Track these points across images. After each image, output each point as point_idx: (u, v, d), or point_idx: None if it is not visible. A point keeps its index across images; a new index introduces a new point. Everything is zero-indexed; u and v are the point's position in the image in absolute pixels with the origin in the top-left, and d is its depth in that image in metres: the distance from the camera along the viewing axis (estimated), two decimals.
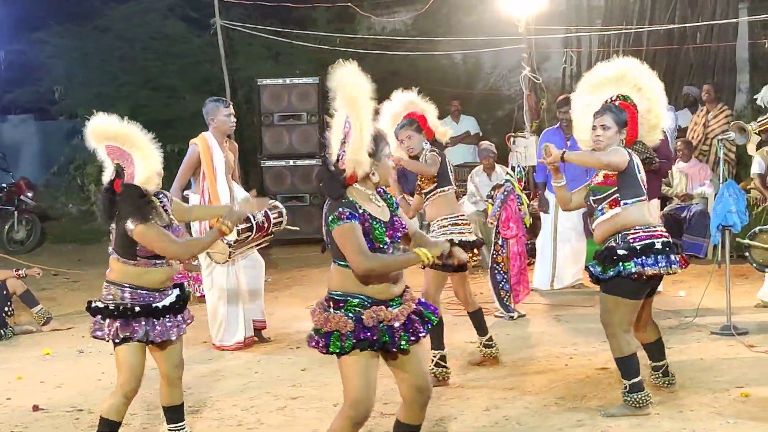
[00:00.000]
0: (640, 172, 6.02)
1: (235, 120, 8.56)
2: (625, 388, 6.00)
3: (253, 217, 7.91)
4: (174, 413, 5.69)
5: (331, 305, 4.64)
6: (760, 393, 6.28)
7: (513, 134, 12.34)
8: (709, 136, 12.40)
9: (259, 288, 8.70)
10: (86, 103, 17.05)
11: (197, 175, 8.36)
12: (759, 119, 8.54)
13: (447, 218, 7.15)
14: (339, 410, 4.71)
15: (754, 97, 13.05)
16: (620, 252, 5.84)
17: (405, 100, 7.23)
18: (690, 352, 7.51)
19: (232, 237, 7.91)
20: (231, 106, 8.52)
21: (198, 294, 10.66)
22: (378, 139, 4.69)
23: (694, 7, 15.34)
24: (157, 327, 5.34)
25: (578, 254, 10.49)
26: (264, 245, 8.62)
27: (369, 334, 4.52)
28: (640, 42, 15.23)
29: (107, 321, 5.32)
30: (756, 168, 10.68)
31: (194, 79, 17.54)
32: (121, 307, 5.31)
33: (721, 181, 8.34)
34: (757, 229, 6.99)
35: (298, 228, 9.10)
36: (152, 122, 15.67)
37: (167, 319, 5.39)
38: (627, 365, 5.99)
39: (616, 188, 5.96)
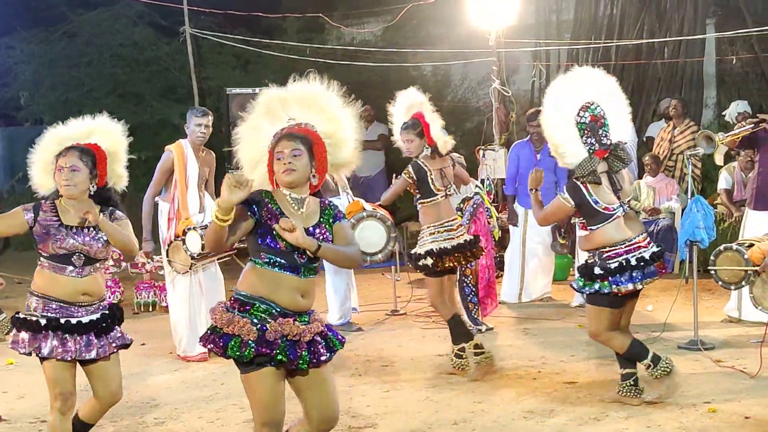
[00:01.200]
0: (598, 203, 6.20)
1: (207, 132, 8.42)
2: (629, 376, 6.42)
3: None
4: (85, 427, 5.45)
5: (237, 307, 4.46)
6: (726, 408, 6.29)
7: (482, 147, 12.35)
8: (675, 152, 12.44)
9: (221, 300, 8.62)
10: (52, 110, 16.93)
11: (169, 182, 8.30)
12: (729, 133, 8.57)
13: (434, 225, 7.36)
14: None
15: (722, 113, 13.19)
16: (596, 271, 6.17)
17: (418, 100, 7.37)
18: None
19: (196, 250, 7.88)
20: (207, 117, 8.37)
21: (164, 304, 10.60)
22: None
23: (662, 22, 15.45)
24: (69, 344, 5.05)
25: (546, 267, 10.51)
26: (225, 259, 8.60)
27: (268, 350, 4.34)
28: (608, 56, 15.31)
29: (20, 333, 5.11)
30: (723, 183, 10.75)
31: (162, 87, 17.46)
32: (30, 319, 5.10)
33: (689, 196, 8.37)
34: (722, 247, 7.01)
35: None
36: None
37: (84, 338, 5.11)
38: (636, 351, 6.38)
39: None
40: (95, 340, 5.15)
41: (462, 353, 7.35)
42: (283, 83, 4.73)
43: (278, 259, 4.44)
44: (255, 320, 4.39)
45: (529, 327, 9.27)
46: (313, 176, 4.58)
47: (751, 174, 8.99)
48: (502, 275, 10.81)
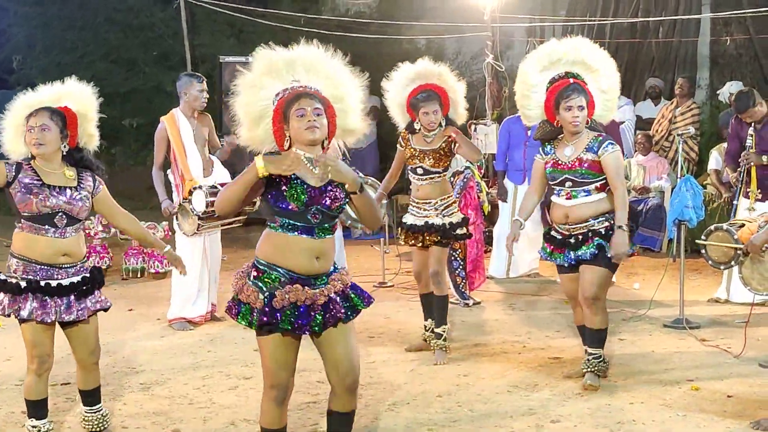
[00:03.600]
0: None
1: (207, 97, 8.48)
2: (600, 358, 6.39)
3: None
4: (89, 396, 5.49)
5: (252, 273, 4.49)
6: (709, 386, 6.34)
7: (474, 121, 12.34)
8: (673, 132, 12.39)
9: (216, 270, 8.66)
10: (45, 74, 16.85)
11: (170, 153, 8.29)
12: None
13: (444, 199, 7.16)
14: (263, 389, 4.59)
15: (717, 92, 13.19)
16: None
17: (424, 69, 7.18)
18: (642, 344, 7.56)
19: (201, 208, 7.90)
20: (204, 83, 8.42)
21: (153, 270, 10.62)
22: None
23: (657, 1, 15.41)
24: (48, 306, 5.05)
25: (535, 243, 10.47)
26: (234, 225, 8.61)
27: (271, 319, 4.34)
28: (603, 34, 15.28)
29: (0, 295, 5.11)
30: (713, 164, 10.76)
31: (155, 54, 17.42)
32: (9, 281, 5.08)
33: (679, 176, 8.39)
34: (712, 226, 7.03)
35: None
36: (111, 95, 15.67)
37: (64, 300, 5.10)
38: (605, 335, 6.42)
39: (604, 175, 6.17)
40: (75, 303, 5.14)
41: (443, 333, 7.27)
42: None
43: (291, 221, 4.43)
44: (264, 288, 4.41)
45: (516, 302, 9.31)
46: (326, 138, 4.58)
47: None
48: (490, 250, 10.85)
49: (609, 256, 6.15)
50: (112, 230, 10.66)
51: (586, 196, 6.20)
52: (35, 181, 5.11)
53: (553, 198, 6.39)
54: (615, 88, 6.48)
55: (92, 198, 5.28)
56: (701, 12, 15.19)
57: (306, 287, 4.42)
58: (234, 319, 4.48)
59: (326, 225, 4.50)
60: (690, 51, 15.42)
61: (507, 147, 10.42)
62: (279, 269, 4.44)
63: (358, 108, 4.72)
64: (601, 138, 6.22)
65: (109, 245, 11.15)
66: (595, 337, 6.40)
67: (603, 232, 6.19)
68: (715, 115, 13.25)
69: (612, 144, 6.19)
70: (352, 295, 4.59)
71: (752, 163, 8.58)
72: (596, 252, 6.15)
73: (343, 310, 4.49)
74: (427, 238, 7.09)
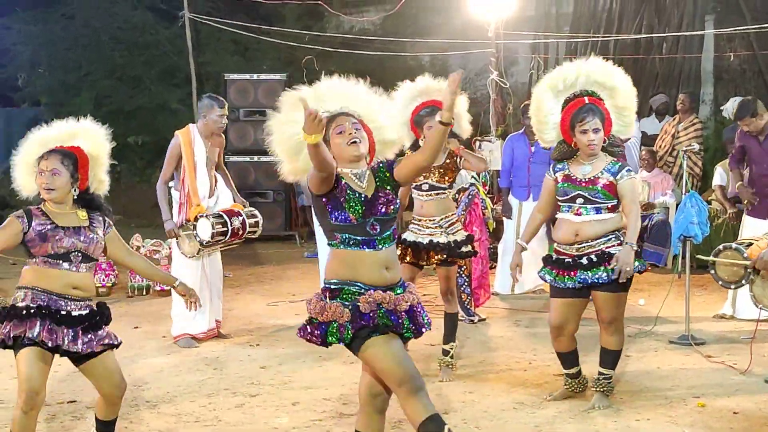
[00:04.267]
0: None
1: (226, 122, 8.56)
2: (610, 379, 6.35)
3: (230, 222, 8.06)
4: (106, 426, 5.46)
5: (327, 295, 4.54)
6: (715, 403, 6.33)
7: (479, 138, 12.37)
8: (677, 147, 12.35)
9: (218, 287, 8.70)
10: (50, 91, 16.96)
11: (179, 169, 8.32)
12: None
13: (447, 216, 7.09)
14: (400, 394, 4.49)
15: (720, 108, 13.20)
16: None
17: (426, 86, 7.12)
18: (648, 361, 7.55)
19: (206, 237, 7.98)
20: (226, 108, 8.45)
21: (158, 288, 10.63)
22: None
23: (661, 17, 15.47)
24: (57, 333, 5.00)
25: (540, 259, 10.50)
26: (233, 246, 8.69)
27: (367, 319, 4.41)
28: (606, 50, 15.31)
29: (5, 323, 5.05)
30: (717, 179, 10.78)
31: (160, 71, 17.48)
32: (17, 306, 5.04)
33: (683, 192, 8.40)
34: (721, 246, 7.01)
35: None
36: (116, 113, 15.73)
37: (71, 330, 5.06)
38: (619, 356, 6.39)
39: (616, 199, 6.12)
40: (82, 335, 5.10)
41: (450, 350, 7.20)
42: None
43: (351, 236, 4.52)
44: (346, 302, 4.47)
45: (521, 319, 9.31)
46: (368, 154, 4.71)
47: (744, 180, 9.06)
48: (495, 266, 10.85)
49: (611, 268, 6.04)
50: None
51: (597, 214, 6.10)
52: (48, 225, 5.10)
53: (560, 215, 6.27)
54: (632, 104, 6.39)
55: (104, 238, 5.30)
56: (705, 28, 15.25)
57: (386, 291, 4.52)
58: (317, 342, 4.51)
59: (386, 234, 4.59)
60: (694, 67, 15.47)
61: (511, 164, 10.43)
62: (353, 284, 4.51)
63: (392, 120, 4.86)
64: (620, 164, 6.16)
65: (114, 263, 11.16)
66: (610, 358, 6.33)
67: (615, 254, 6.07)
68: (719, 130, 13.28)
69: (629, 171, 6.15)
70: (422, 313, 4.68)
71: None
72: (613, 275, 6.01)
73: (423, 323, 4.60)
74: (434, 256, 7.05)
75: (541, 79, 6.62)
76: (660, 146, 12.70)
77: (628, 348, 7.88)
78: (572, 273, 6.14)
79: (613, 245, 6.08)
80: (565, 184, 6.20)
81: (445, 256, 7.01)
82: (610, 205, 6.12)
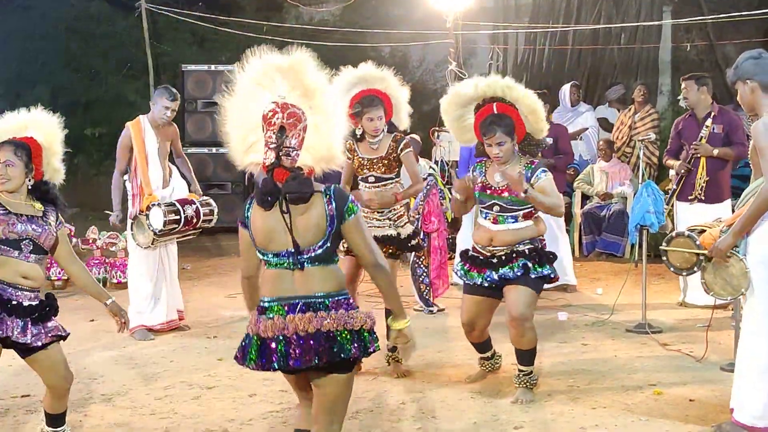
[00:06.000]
0: None
1: (172, 115, 8.44)
2: (531, 374, 6.33)
3: (183, 210, 8.00)
4: (56, 419, 5.43)
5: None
6: (672, 391, 6.37)
7: (437, 128, 12.35)
8: (634, 138, 12.42)
9: (174, 278, 8.65)
10: (6, 83, 16.73)
11: (131, 160, 8.26)
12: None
13: (395, 209, 7.02)
14: None
15: (677, 98, 13.27)
16: (544, 256, 6.26)
17: (367, 73, 7.01)
18: (605, 349, 7.59)
19: (158, 226, 7.93)
20: (176, 102, 8.38)
21: (115, 281, 10.55)
22: None
23: (619, 8, 15.56)
24: (6, 323, 4.96)
25: None
26: (189, 237, 8.64)
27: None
28: (565, 41, 15.40)
29: None
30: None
31: (117, 62, 17.32)
32: None
33: (640, 181, 8.45)
34: (673, 233, 7.06)
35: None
36: (73, 104, 15.58)
37: (20, 321, 5.01)
38: (534, 353, 6.37)
39: (530, 204, 6.19)
40: (31, 327, 5.06)
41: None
42: (239, 61, 4.53)
43: None
44: None
45: None
46: None
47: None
48: (453, 257, 10.84)
49: (546, 274, 6.19)
50: (74, 240, 10.57)
51: (513, 222, 6.20)
52: (0, 210, 5.08)
53: (479, 220, 6.39)
54: (538, 110, 6.33)
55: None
56: (662, 18, 15.34)
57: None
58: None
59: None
60: (652, 57, 15.56)
61: (469, 154, 10.41)
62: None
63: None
64: (533, 166, 6.21)
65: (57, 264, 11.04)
66: (525, 356, 6.35)
67: (527, 252, 6.19)
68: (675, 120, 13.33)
69: (544, 171, 6.19)
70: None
71: (700, 155, 8.74)
72: (522, 272, 6.12)
73: None
74: (383, 249, 6.97)
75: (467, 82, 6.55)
76: (617, 137, 12.75)
77: (584, 336, 7.95)
78: (482, 270, 6.27)
79: (527, 247, 6.21)
80: (481, 193, 6.32)
81: (394, 248, 6.98)
82: (525, 212, 6.22)
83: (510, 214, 6.20)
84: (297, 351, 3.99)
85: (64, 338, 5.27)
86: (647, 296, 8.30)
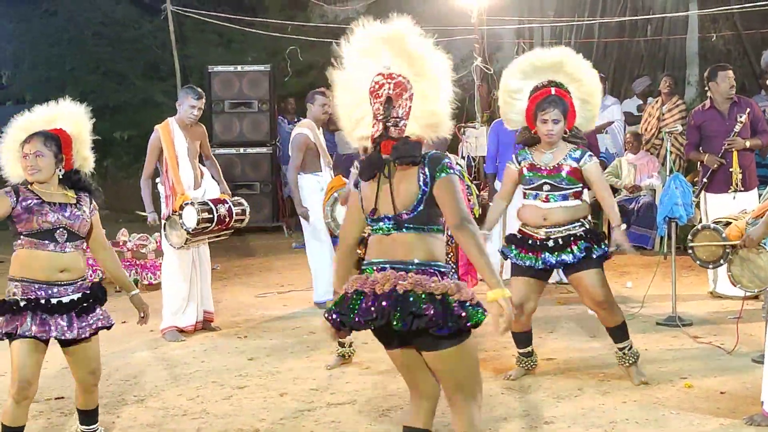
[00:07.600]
0: None
1: (199, 114, 8.47)
2: (631, 348, 6.46)
3: (216, 209, 8.05)
4: (88, 416, 5.50)
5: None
6: (702, 384, 6.34)
7: (464, 124, 12.35)
8: (662, 130, 12.33)
9: (207, 279, 8.69)
10: (34, 89, 16.88)
11: (162, 163, 8.32)
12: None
13: None
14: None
15: (705, 89, 13.20)
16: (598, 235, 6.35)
17: None
18: (635, 343, 7.51)
19: (191, 225, 7.98)
20: (202, 100, 8.43)
21: (146, 282, 10.61)
22: None
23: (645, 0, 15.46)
24: (48, 325, 5.02)
25: None
26: (222, 238, 8.68)
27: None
28: (591, 34, 15.33)
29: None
30: None
31: (144, 65, 17.43)
32: (8, 300, 5.05)
33: (668, 173, 8.42)
34: (699, 225, 7.04)
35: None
36: (101, 108, 15.67)
37: (64, 318, 5.08)
38: (626, 326, 6.48)
39: (580, 184, 6.28)
40: (76, 320, 5.12)
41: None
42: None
43: None
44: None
45: None
46: None
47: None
48: None
49: (606, 251, 6.25)
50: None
51: (564, 200, 6.27)
52: (35, 200, 5.14)
53: (526, 201, 6.44)
54: (596, 100, 6.49)
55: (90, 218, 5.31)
56: (688, 9, 15.24)
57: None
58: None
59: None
60: (679, 48, 15.47)
61: (497, 149, 10.41)
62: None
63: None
64: (581, 149, 6.32)
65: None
66: (618, 332, 6.47)
67: (584, 235, 6.27)
68: None
69: (591, 156, 6.31)
70: None
71: (734, 149, 8.72)
72: (584, 254, 6.21)
73: None
74: None
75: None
76: (645, 129, 12.68)
77: None
78: (537, 254, 6.33)
79: (582, 229, 6.28)
80: (531, 173, 6.37)
81: None
82: (575, 191, 6.29)
83: (560, 192, 6.27)
84: (369, 305, 3.96)
85: (109, 327, 5.35)
86: (677, 289, 8.25)
